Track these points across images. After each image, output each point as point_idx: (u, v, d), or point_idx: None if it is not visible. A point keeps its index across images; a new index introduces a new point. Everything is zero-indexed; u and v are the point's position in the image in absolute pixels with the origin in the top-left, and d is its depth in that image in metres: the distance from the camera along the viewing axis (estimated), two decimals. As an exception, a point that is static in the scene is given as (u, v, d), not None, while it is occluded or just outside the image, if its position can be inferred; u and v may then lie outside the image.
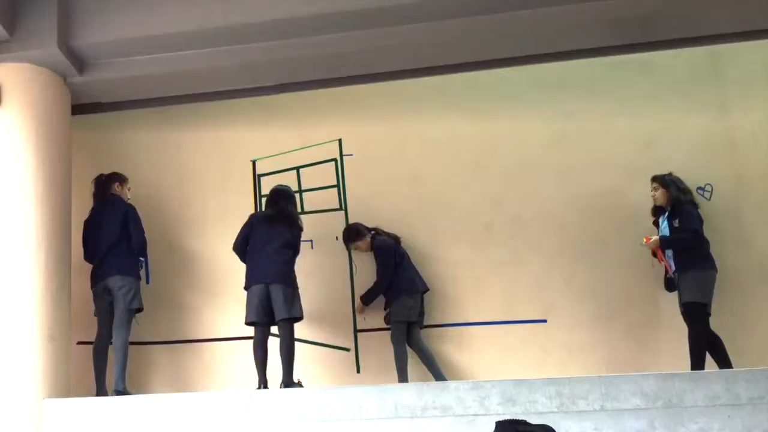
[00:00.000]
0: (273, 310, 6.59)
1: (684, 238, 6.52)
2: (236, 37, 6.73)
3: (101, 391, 6.69)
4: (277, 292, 6.58)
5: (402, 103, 7.52)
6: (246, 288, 6.69)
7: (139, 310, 6.87)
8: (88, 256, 7.00)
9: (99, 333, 6.86)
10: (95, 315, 6.89)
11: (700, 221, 6.59)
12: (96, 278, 6.88)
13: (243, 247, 6.83)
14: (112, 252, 6.85)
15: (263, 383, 6.60)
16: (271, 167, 7.56)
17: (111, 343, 6.80)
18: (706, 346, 6.33)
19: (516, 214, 7.27)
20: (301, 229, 6.87)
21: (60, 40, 6.65)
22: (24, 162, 6.61)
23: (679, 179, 6.77)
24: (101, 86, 7.10)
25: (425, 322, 7.10)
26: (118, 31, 6.71)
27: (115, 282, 6.78)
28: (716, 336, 6.35)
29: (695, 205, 6.70)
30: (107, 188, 7.13)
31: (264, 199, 7.31)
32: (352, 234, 7.26)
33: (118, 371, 6.64)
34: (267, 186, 7.52)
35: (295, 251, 6.82)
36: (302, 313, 6.69)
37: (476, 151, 7.41)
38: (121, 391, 6.55)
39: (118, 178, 7.19)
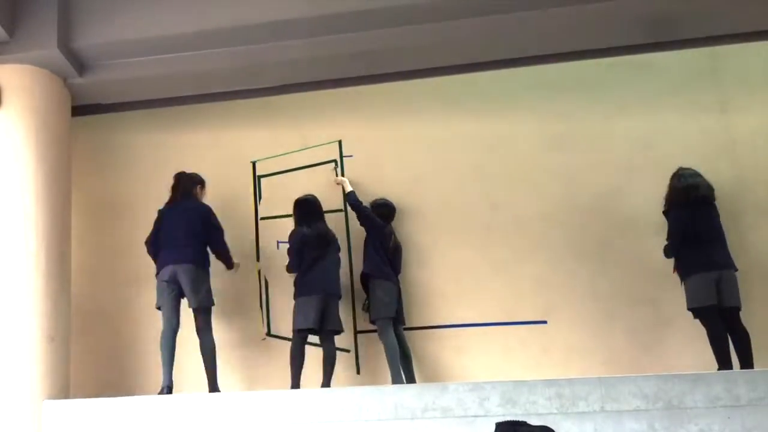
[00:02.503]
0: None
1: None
2: (236, 38, 6.74)
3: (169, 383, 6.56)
4: None
5: (402, 104, 7.51)
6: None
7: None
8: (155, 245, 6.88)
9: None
10: (158, 307, 6.76)
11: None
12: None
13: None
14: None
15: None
16: (271, 168, 7.56)
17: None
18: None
19: (516, 215, 7.26)
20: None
21: (60, 41, 6.67)
22: (24, 162, 6.63)
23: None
24: (101, 87, 7.12)
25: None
26: (118, 32, 6.74)
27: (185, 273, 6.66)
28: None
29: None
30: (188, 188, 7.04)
31: (263, 200, 7.41)
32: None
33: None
34: (267, 187, 7.54)
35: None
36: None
37: (476, 151, 7.41)
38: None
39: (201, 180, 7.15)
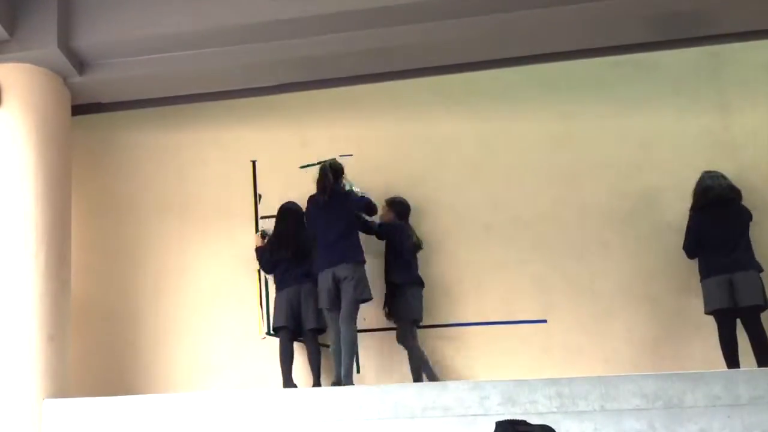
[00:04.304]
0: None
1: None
2: (236, 37, 6.75)
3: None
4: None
5: (402, 104, 7.51)
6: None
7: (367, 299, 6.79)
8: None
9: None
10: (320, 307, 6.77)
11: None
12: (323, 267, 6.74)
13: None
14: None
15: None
16: (271, 167, 7.55)
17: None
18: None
19: (516, 214, 7.26)
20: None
21: (60, 40, 6.67)
22: (24, 162, 6.63)
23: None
24: (101, 86, 7.13)
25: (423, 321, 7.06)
26: (118, 31, 6.75)
27: (342, 271, 6.64)
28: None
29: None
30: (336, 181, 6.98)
31: (262, 199, 7.43)
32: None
33: (347, 365, 6.50)
34: (266, 187, 7.53)
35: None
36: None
37: (476, 151, 7.41)
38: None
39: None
